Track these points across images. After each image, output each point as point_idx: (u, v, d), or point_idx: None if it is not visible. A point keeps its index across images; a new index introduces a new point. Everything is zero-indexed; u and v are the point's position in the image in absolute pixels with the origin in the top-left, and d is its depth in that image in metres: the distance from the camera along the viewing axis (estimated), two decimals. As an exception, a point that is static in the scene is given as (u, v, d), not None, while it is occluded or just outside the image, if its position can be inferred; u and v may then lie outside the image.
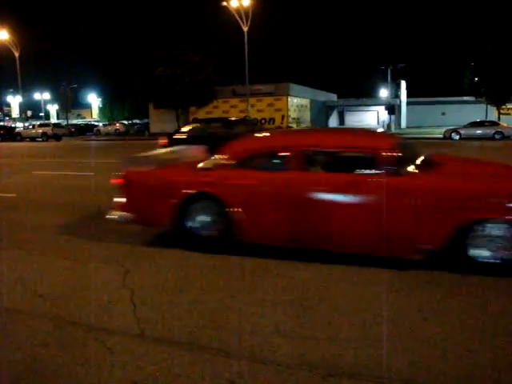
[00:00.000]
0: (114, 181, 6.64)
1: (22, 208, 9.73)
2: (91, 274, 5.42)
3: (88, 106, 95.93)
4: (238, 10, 41.88)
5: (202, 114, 52.98)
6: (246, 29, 42.46)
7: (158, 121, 56.21)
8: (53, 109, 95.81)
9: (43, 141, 45.89)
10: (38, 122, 55.76)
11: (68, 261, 5.95)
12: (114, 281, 5.15)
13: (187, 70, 45.69)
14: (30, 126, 51.37)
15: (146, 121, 65.25)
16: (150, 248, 6.44)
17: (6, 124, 68.17)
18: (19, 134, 48.98)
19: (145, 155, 7.26)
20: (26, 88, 65.84)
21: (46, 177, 15.09)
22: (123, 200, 6.48)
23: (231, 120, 21.53)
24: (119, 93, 77.92)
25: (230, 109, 54.47)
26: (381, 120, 61.57)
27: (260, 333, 3.84)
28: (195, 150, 7.84)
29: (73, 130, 58.31)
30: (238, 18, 42.16)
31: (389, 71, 57.10)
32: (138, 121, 71.53)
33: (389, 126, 51.89)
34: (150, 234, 7.06)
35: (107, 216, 6.70)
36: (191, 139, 14.58)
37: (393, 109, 52.90)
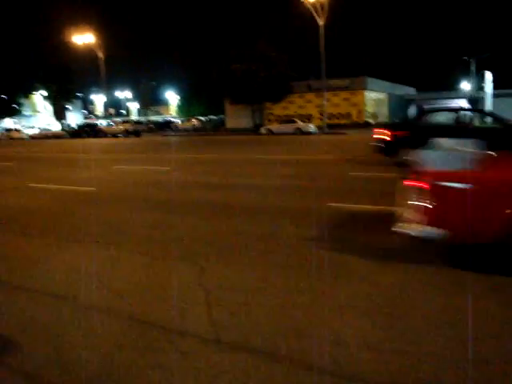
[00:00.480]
0: (408, 182, 5.22)
1: (99, 202, 9.89)
2: (166, 272, 5.29)
3: (166, 103, 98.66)
4: (313, 4, 41.21)
5: (277, 109, 53.01)
6: (321, 22, 41.71)
7: (234, 116, 56.81)
8: (133, 106, 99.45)
9: (124, 137, 47.60)
10: (120, 119, 57.96)
11: (145, 257, 5.88)
12: (189, 279, 4.97)
13: (262, 65, 45.73)
14: (112, 123, 53.48)
15: (221, 116, 66.08)
16: (225, 244, 6.25)
17: (90, 121, 71.46)
18: (102, 130, 51.09)
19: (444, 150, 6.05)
20: (108, 86, 68.81)
21: (125, 171, 15.45)
22: (423, 210, 4.86)
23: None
24: (196, 89, 79.50)
25: (305, 104, 54.09)
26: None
27: (345, 344, 3.49)
28: (473, 145, 6.39)
29: (152, 126, 60.07)
30: (314, 12, 41.47)
31: (472, 62, 54.32)
32: (213, 116, 72.62)
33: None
34: (240, 232, 6.89)
35: (395, 229, 5.20)
36: (443, 132, 11.39)
37: (476, 102, 50.26)
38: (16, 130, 64.09)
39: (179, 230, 7.13)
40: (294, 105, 54.10)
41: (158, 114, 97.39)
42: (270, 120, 52.75)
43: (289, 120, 43.01)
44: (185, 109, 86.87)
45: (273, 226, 7.18)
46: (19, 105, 73.57)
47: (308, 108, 53.80)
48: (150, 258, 5.83)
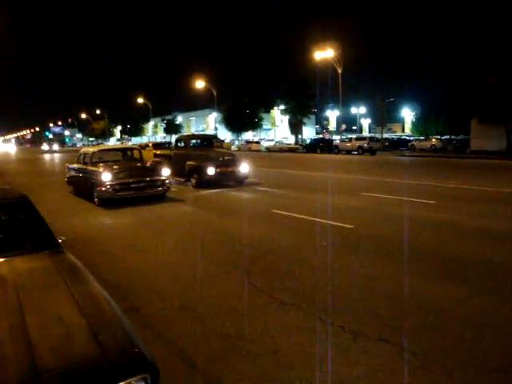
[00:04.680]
0: None
1: (362, 250, 7.52)
2: None
3: (399, 120, 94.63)
4: None
5: (536, 130, 45.48)
6: None
7: (480, 137, 50.42)
8: (365, 123, 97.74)
9: (358, 154, 45.66)
10: (354, 136, 56.46)
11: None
12: None
13: (525, 78, 39.31)
14: (347, 139, 52.10)
15: (461, 137, 59.88)
16: None
17: (325, 137, 71.95)
18: (336, 146, 50.05)
19: None
20: (344, 102, 68.19)
21: (378, 201, 12.88)
22: None
23: None
24: (434, 107, 74.21)
25: None
26: None
27: None
28: None
29: (387, 144, 57.24)
30: None
31: None
32: (453, 136, 66.37)
33: None
34: None
35: None
36: None
37: None
38: (255, 142, 68.84)
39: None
40: (558, 125, 45.61)
41: (391, 131, 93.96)
42: (525, 143, 45.43)
43: (555, 144, 36.23)
44: (420, 127, 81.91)
45: None
46: (260, 119, 77.96)
47: None
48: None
